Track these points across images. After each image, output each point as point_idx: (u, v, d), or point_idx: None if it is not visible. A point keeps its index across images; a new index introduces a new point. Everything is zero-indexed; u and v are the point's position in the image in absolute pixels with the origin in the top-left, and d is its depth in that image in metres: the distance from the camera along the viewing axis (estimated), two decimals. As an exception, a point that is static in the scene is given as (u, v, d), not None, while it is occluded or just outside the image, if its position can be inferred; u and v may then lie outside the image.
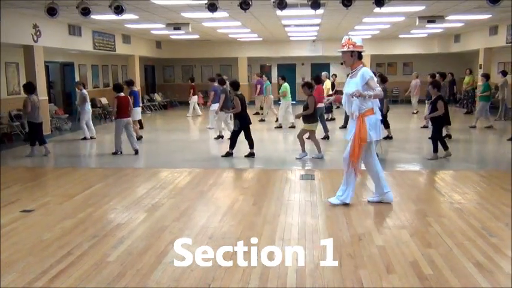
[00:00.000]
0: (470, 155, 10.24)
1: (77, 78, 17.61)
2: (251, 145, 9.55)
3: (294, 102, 14.26)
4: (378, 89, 5.56)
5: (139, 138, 12.17)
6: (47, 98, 13.29)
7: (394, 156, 9.65)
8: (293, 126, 13.79)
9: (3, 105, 13.07)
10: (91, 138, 12.57)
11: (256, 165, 8.95)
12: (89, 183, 7.53)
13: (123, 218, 5.63)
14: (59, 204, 6.28)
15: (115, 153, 10.15)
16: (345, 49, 5.73)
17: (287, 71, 23.17)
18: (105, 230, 5.20)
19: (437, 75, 13.01)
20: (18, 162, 9.73)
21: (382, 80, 11.27)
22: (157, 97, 22.44)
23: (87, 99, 12.54)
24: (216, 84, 13.91)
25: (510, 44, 15.27)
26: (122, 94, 10.19)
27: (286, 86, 14.11)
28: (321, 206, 6.05)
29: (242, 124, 9.40)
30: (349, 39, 5.73)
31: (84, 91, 12.65)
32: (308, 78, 18.06)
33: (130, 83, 12.41)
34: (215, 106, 13.60)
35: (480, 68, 17.70)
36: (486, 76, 14.06)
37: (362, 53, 5.83)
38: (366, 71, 5.65)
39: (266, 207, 5.97)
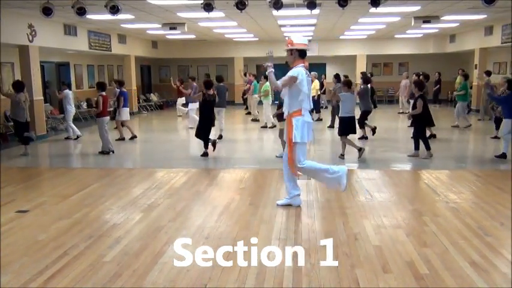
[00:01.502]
0: (463, 154, 10.28)
1: (73, 78, 17.60)
2: (206, 145, 9.63)
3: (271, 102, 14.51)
4: (279, 82, 5.63)
5: (132, 137, 12.16)
6: (42, 98, 13.22)
7: (389, 155, 9.67)
8: (265, 126, 14.07)
9: (-2, 106, 13.02)
10: (68, 138, 12.67)
11: (252, 166, 8.95)
12: (85, 184, 7.51)
13: (119, 218, 5.61)
14: (54, 205, 6.26)
15: (102, 153, 10.13)
16: (286, 48, 5.78)
17: (283, 70, 23.15)
18: (101, 231, 5.19)
19: (421, 75, 13.20)
20: (13, 162, 9.68)
21: (365, 81, 11.56)
22: (154, 97, 22.39)
23: (67, 99, 12.60)
24: (194, 83, 14.14)
25: (505, 44, 15.34)
26: (104, 93, 10.25)
27: (268, 85, 14.18)
28: (317, 205, 6.06)
29: (205, 122, 9.59)
30: (288, 38, 5.79)
31: (65, 92, 12.71)
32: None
33: (121, 83, 12.52)
34: (192, 105, 13.81)
35: (476, 68, 17.78)
36: (465, 76, 14.23)
37: (306, 51, 5.85)
38: (294, 70, 5.69)
39: (262, 207, 5.96)
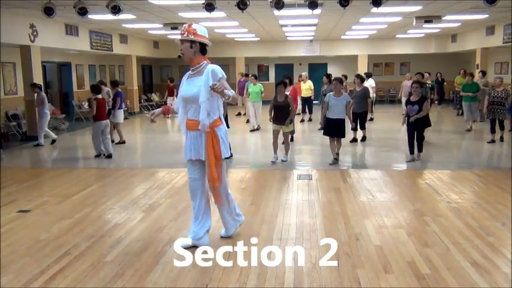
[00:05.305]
0: (470, 156, 10.27)
1: (74, 79, 17.63)
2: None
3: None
4: (233, 92, 4.31)
5: (123, 142, 11.64)
6: (43, 98, 13.20)
7: (389, 155, 9.67)
8: (254, 129, 13.74)
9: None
10: (38, 145, 11.58)
11: (253, 166, 8.94)
12: (86, 184, 7.51)
13: (120, 218, 5.62)
14: (55, 205, 6.26)
15: (98, 156, 9.85)
16: (184, 37, 4.38)
17: (284, 70, 23.18)
18: (102, 230, 5.19)
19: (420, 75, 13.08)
20: (14, 162, 9.70)
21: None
22: (155, 97, 22.41)
23: (44, 101, 11.60)
24: None
25: (506, 44, 15.31)
26: (100, 96, 9.95)
27: (260, 86, 14.12)
28: (319, 205, 6.06)
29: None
30: (189, 25, 4.41)
31: (43, 93, 11.71)
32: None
33: (114, 84, 11.96)
34: None
35: (477, 68, 17.75)
36: (472, 75, 13.72)
37: (207, 47, 4.50)
38: (216, 69, 4.38)
39: (264, 207, 5.97)
